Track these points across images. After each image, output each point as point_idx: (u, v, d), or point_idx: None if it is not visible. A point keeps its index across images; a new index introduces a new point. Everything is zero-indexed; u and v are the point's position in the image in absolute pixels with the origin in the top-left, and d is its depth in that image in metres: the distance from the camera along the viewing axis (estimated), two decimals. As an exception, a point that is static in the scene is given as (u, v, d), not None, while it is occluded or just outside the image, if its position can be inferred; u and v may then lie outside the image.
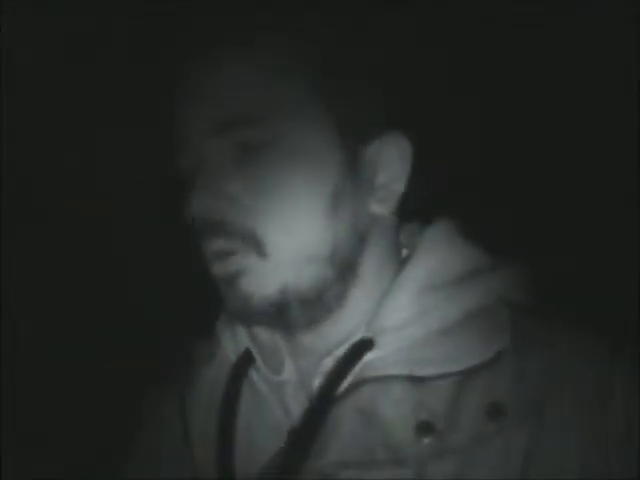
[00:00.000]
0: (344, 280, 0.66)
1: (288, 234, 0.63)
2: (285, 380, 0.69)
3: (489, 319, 0.66)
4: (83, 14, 1.19)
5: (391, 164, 0.66)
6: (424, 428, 0.61)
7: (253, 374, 0.71)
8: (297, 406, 0.67)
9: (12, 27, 1.18)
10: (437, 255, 0.68)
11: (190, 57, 0.64)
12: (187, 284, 0.77)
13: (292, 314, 0.64)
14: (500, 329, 0.65)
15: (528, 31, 1.09)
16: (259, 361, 0.70)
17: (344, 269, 0.65)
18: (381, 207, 0.67)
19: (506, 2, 1.06)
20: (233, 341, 0.72)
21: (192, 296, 0.77)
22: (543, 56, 1.11)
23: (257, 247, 0.63)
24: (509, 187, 1.11)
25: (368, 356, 0.65)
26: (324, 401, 0.65)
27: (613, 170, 1.12)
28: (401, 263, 0.69)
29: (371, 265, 0.67)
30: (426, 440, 0.61)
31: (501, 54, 1.09)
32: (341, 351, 0.66)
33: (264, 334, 0.71)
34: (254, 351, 0.71)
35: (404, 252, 0.71)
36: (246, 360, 0.71)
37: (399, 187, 0.67)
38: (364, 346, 0.65)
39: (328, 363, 0.66)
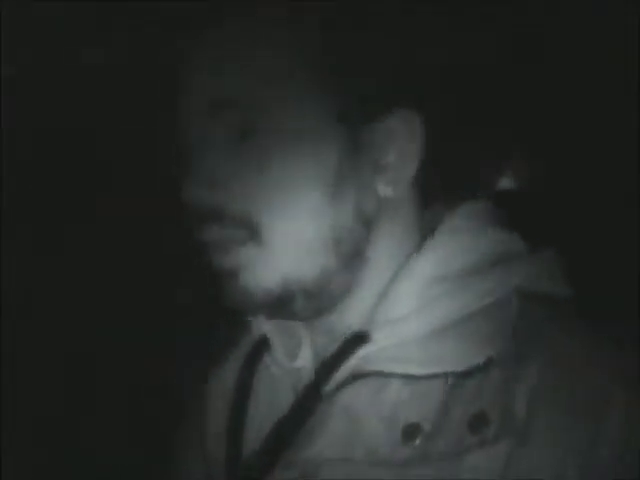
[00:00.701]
0: (350, 269, 0.62)
1: (287, 221, 0.61)
2: (300, 367, 0.67)
3: (493, 317, 0.62)
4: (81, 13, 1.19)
5: (399, 144, 0.62)
6: (411, 431, 0.59)
7: (268, 359, 0.69)
8: None
9: (12, 26, 1.18)
10: (451, 244, 0.64)
11: (186, 40, 0.62)
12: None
13: (296, 306, 0.62)
14: (501, 329, 0.61)
15: (528, 31, 1.09)
16: (275, 346, 0.68)
17: (349, 257, 0.62)
18: (389, 190, 0.62)
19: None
20: (256, 322, 0.70)
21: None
22: (545, 54, 1.11)
23: (254, 235, 0.61)
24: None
25: (363, 350, 0.62)
26: (313, 394, 0.63)
27: (615, 170, 1.12)
28: (415, 250, 0.65)
29: (381, 252, 0.64)
30: (411, 443, 0.59)
31: (502, 53, 1.09)
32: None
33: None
34: (272, 334, 0.68)
35: (422, 239, 0.66)
36: (261, 345, 0.69)
37: (409, 169, 0.62)
38: (358, 339, 0.62)
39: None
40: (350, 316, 0.64)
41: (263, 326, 0.69)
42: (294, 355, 0.68)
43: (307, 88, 0.61)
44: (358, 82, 0.61)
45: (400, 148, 0.62)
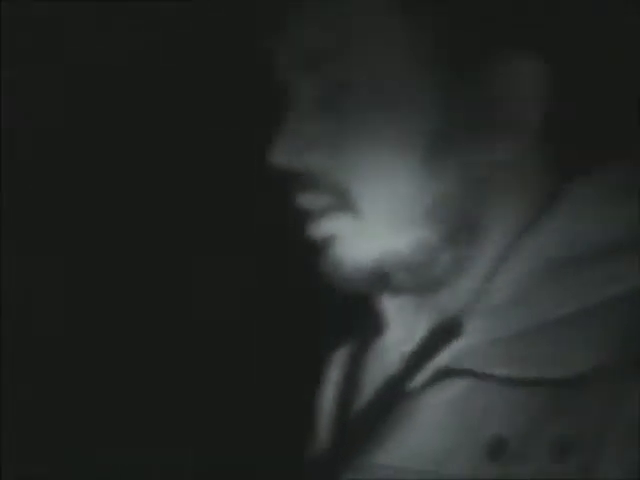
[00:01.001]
0: (460, 242, 0.55)
1: (381, 189, 0.55)
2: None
3: (614, 314, 0.51)
4: None
5: (519, 96, 0.53)
6: (496, 447, 0.50)
7: (383, 342, 0.63)
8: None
9: (12, 26, 1.18)
10: (575, 218, 0.54)
11: None
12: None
13: (394, 280, 0.56)
14: (621, 330, 0.50)
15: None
16: (391, 328, 0.62)
17: (455, 230, 0.55)
18: (507, 150, 0.54)
19: None
20: (374, 302, 0.64)
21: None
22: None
23: (348, 203, 0.56)
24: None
25: (455, 344, 0.54)
26: (395, 390, 0.57)
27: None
28: (530, 225, 0.56)
29: (493, 225, 0.56)
30: (494, 462, 0.50)
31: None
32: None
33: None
34: (389, 314, 0.62)
35: (540, 210, 0.57)
36: (377, 327, 0.63)
37: (530, 125, 0.54)
38: (450, 331, 0.55)
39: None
40: (459, 298, 0.57)
41: (381, 305, 0.63)
42: (409, 338, 0.60)
43: (400, 35, 0.54)
44: (470, 25, 0.53)
45: (520, 101, 0.54)
